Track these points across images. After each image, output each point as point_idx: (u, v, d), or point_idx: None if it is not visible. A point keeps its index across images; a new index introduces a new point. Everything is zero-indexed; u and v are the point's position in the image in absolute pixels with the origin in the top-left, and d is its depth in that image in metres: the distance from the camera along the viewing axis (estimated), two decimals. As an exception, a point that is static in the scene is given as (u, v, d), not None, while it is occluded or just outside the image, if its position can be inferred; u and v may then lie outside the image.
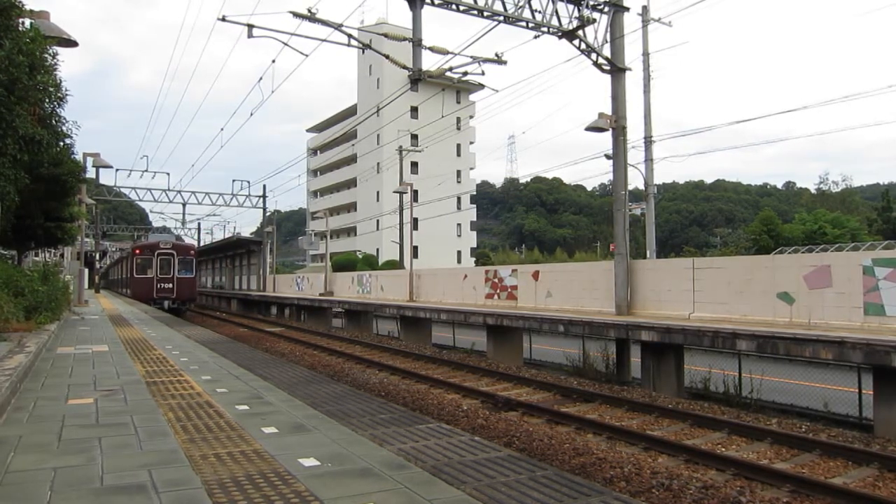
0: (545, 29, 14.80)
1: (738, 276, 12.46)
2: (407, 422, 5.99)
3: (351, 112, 70.72)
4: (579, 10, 14.95)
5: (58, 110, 12.04)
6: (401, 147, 41.61)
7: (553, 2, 14.72)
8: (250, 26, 14.00)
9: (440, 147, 55.37)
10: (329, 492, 3.54)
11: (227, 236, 62.01)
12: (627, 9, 15.66)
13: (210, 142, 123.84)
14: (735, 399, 11.39)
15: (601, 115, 14.86)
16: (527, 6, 14.53)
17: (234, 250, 49.50)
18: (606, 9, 15.17)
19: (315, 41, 14.75)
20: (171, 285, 32.52)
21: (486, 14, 14.22)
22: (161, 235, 40.54)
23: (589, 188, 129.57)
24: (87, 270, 32.89)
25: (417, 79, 14.01)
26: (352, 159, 68.77)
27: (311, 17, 13.64)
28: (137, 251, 34.26)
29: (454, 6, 13.90)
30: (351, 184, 70.54)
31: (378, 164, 57.74)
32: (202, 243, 65.26)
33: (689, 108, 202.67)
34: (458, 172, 66.53)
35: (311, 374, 9.77)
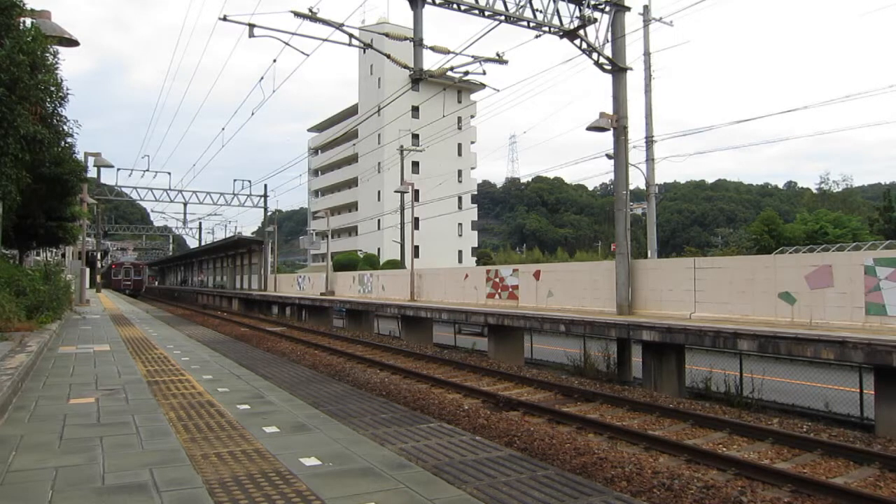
0: (546, 28, 14.79)
1: (740, 275, 12.45)
2: (408, 421, 5.99)
3: (352, 111, 70.67)
4: (580, 9, 14.93)
5: (59, 110, 12.08)
6: (402, 146, 41.59)
7: (554, 1, 14.71)
8: (251, 26, 14.00)
9: (441, 147, 55.33)
10: (330, 491, 3.54)
11: (228, 236, 62.41)
12: (629, 8, 15.64)
13: (211, 141, 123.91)
14: (736, 399, 11.38)
15: (602, 114, 14.84)
16: (528, 6, 14.51)
17: (235, 250, 49.61)
18: (608, 8, 15.15)
19: (316, 41, 14.77)
20: (130, 282, 66.17)
21: (487, 14, 14.21)
22: (126, 257, 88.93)
23: (590, 188, 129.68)
24: (88, 270, 33.24)
25: (419, 78, 14.00)
26: (353, 159, 68.73)
27: (312, 17, 13.64)
28: (114, 266, 71.82)
29: (455, 5, 13.89)
30: (352, 183, 70.49)
31: (379, 163, 57.71)
32: (203, 242, 67.54)
33: (691, 107, 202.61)
34: (460, 172, 66.46)
35: (313, 374, 9.79)
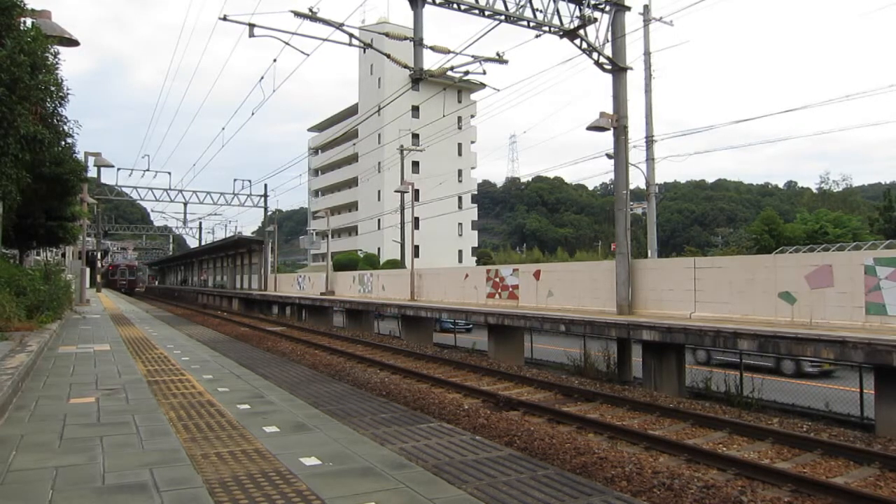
0: (546, 28, 14.79)
1: (740, 275, 12.45)
2: (408, 421, 5.99)
3: (352, 111, 70.64)
4: (580, 9, 14.93)
5: (59, 109, 12.06)
6: (402, 146, 41.57)
7: (554, 1, 14.71)
8: (251, 25, 14.00)
9: (441, 146, 55.28)
10: (330, 491, 3.54)
11: (228, 235, 62.48)
12: (629, 8, 15.63)
13: (211, 141, 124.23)
14: (736, 399, 11.39)
15: (602, 114, 14.84)
16: (528, 5, 14.51)
17: (235, 249, 49.61)
18: (608, 8, 15.15)
19: (316, 40, 14.77)
20: (125, 281, 71.09)
21: (487, 13, 14.21)
22: (126, 257, 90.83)
23: (590, 187, 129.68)
24: (88, 269, 33.33)
25: (419, 78, 14.00)
26: (353, 158, 68.70)
27: (312, 17, 13.64)
28: (111, 266, 77.67)
29: (455, 5, 13.89)
30: (352, 183, 70.48)
31: (379, 163, 57.70)
32: (203, 242, 67.57)
33: (691, 107, 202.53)
34: (460, 172, 66.43)
35: (313, 374, 9.78)
